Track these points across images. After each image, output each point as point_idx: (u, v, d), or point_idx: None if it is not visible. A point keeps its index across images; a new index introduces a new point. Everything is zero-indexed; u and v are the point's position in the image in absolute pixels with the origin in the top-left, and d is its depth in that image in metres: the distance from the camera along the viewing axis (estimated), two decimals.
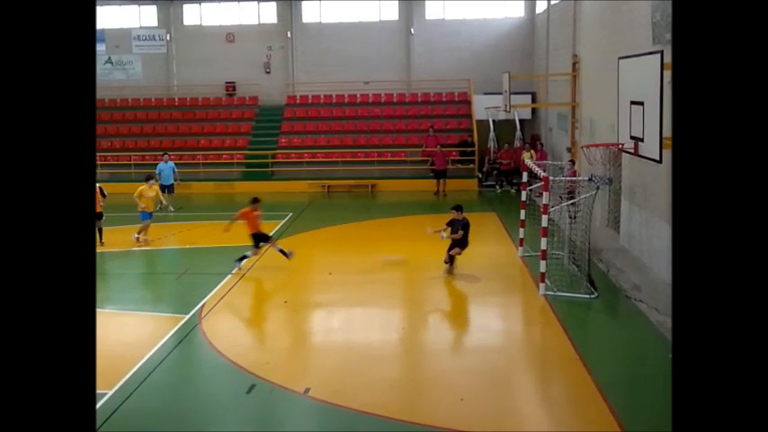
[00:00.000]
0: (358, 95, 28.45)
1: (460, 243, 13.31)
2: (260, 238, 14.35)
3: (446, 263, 13.40)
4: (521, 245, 14.67)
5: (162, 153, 22.35)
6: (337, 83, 28.03)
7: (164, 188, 20.66)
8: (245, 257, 14.05)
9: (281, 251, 14.13)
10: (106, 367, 8.63)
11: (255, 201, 14.62)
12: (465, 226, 13.34)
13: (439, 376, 8.97)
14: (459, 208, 13.55)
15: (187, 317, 11.09)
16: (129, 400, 8.16)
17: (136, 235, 16.45)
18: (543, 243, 11.95)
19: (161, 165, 21.23)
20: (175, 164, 21.86)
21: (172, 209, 20.58)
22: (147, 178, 17.15)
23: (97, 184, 16.30)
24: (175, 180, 21.42)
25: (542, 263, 11.95)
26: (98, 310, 11.10)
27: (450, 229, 13.50)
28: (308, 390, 8.30)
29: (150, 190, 16.74)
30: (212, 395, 8.59)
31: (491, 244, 16.11)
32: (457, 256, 13.45)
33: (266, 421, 8.03)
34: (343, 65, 28.20)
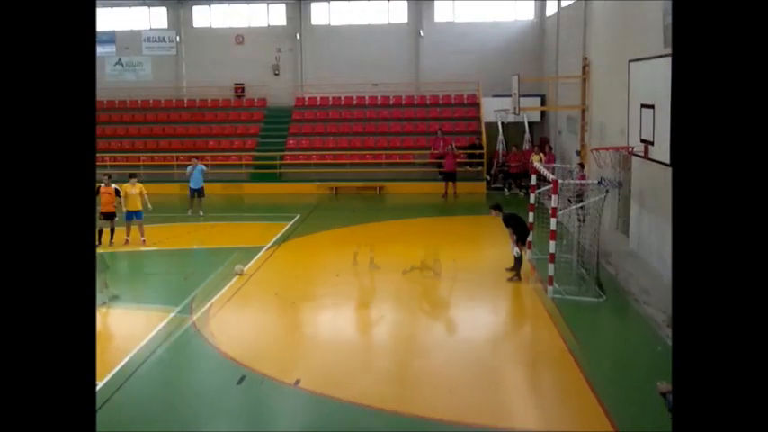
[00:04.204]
0: (366, 97, 28.44)
1: (519, 239, 12.91)
2: None
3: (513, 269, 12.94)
4: (529, 248, 14.59)
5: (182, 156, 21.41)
6: (346, 85, 28.03)
7: (193, 192, 20.31)
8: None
9: None
10: (97, 360, 8.65)
11: None
12: (508, 220, 13.00)
13: (446, 375, 8.90)
14: (497, 207, 13.41)
15: (178, 308, 11.15)
16: (119, 390, 8.19)
17: None
18: (552, 246, 11.90)
19: (189, 168, 20.50)
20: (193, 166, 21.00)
21: (201, 213, 20.12)
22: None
23: (113, 185, 16.35)
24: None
25: (551, 266, 11.90)
26: (105, 307, 11.23)
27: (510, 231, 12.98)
28: (298, 381, 8.35)
29: None
30: (203, 386, 8.64)
31: (499, 246, 16.01)
32: (522, 254, 12.95)
33: (257, 412, 8.05)
34: (352, 67, 28.20)
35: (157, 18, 29.58)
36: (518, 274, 12.92)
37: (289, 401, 8.25)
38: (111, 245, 16.01)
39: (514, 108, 21.56)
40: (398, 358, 9.85)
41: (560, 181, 12.14)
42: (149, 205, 16.57)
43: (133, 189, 16.35)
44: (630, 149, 12.99)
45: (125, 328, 10.94)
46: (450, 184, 23.53)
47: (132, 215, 16.33)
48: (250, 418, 7.93)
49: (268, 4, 29.05)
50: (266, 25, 29.10)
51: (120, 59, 29.51)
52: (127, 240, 16.28)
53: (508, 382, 8.74)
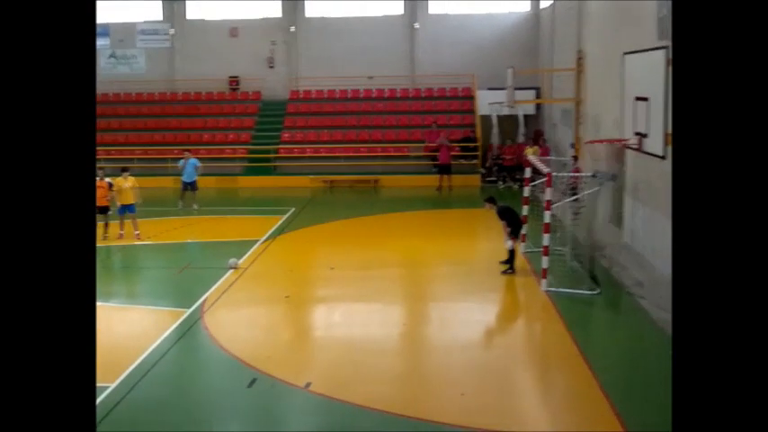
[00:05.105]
0: (361, 90, 28.38)
1: (513, 232, 12.95)
2: None
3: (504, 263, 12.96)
4: (523, 240, 14.63)
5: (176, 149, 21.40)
6: (341, 78, 27.93)
7: (185, 185, 20.26)
8: None
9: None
10: (109, 360, 8.65)
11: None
12: (502, 213, 13.03)
13: (440, 371, 8.95)
14: (491, 200, 13.47)
15: (189, 311, 11.09)
16: (131, 393, 8.15)
17: None
18: (546, 239, 11.91)
19: (182, 161, 20.46)
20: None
21: (196, 206, 20.00)
22: None
23: (107, 179, 16.34)
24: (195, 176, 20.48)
25: (545, 259, 11.92)
26: (101, 303, 11.21)
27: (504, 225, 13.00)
28: (308, 384, 8.30)
29: None
30: (214, 389, 8.59)
31: (493, 240, 16.04)
32: (515, 247, 13.00)
33: (267, 415, 8.02)
34: (347, 60, 28.09)
35: (151, 10, 29.40)
36: (512, 267, 12.95)
37: (299, 405, 8.18)
38: (105, 238, 15.99)
39: (509, 101, 21.53)
40: (396, 353, 9.88)
41: (554, 174, 12.15)
42: (139, 199, 16.56)
43: (126, 183, 16.33)
44: (625, 142, 13.02)
45: (129, 327, 10.94)
46: (446, 176, 23.54)
47: (125, 209, 16.32)
48: (262, 422, 7.89)
49: None
50: (261, 17, 28.95)
51: (113, 52, 29.33)
52: (120, 234, 16.27)
53: (516, 383, 8.70)
